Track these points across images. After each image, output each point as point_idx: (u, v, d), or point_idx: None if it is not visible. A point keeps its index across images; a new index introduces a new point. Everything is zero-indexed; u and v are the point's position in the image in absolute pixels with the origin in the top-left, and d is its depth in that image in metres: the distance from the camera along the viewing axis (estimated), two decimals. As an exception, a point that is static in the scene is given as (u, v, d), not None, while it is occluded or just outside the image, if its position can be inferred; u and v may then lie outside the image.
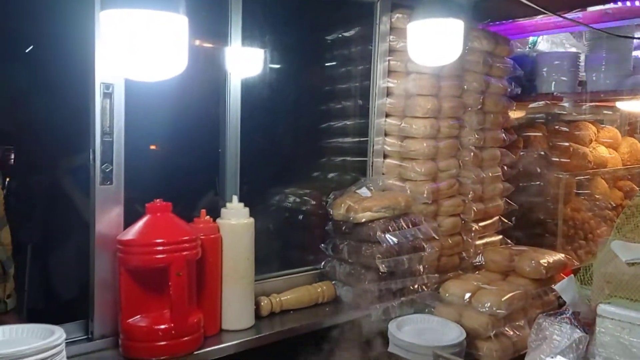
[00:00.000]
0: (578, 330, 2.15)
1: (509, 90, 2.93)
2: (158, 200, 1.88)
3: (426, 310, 2.46)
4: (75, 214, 2.63)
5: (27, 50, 2.21)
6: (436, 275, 2.54)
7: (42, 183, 3.02)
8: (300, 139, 2.87)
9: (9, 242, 2.06)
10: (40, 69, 2.22)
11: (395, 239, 2.35)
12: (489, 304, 2.29)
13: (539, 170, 3.20)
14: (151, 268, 1.80)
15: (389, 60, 2.68)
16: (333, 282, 2.51)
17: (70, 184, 3.04)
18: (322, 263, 2.59)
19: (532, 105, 3.32)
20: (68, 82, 2.06)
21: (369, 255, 2.35)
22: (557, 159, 3.30)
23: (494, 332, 2.27)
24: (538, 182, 3.20)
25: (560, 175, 3.25)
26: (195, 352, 1.88)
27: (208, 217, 2.06)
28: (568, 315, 2.20)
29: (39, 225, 2.84)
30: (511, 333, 2.33)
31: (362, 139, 2.79)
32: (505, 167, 2.96)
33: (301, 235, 2.76)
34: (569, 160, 3.34)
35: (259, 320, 2.20)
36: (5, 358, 1.44)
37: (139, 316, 1.82)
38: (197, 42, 2.36)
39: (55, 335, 1.58)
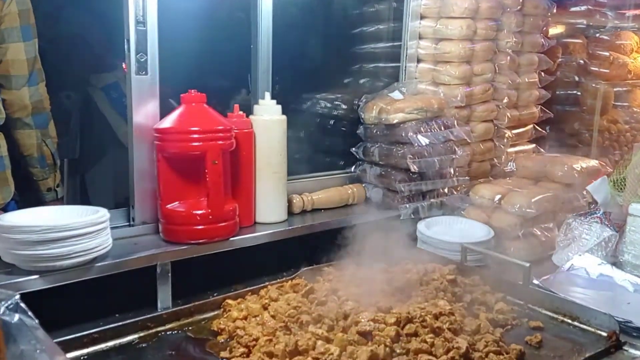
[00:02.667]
0: (608, 229, 2.17)
1: (550, -9, 2.81)
2: (193, 90, 1.90)
3: (455, 212, 2.49)
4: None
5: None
6: (467, 178, 2.55)
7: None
8: (331, 45, 2.83)
9: (55, 134, 2.14)
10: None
11: (427, 140, 2.35)
12: (518, 205, 2.30)
13: (577, 79, 3.11)
14: (188, 155, 1.85)
15: (425, -42, 2.57)
16: (363, 184, 2.54)
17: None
18: (353, 167, 2.61)
19: (573, 9, 3.17)
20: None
21: (400, 156, 2.36)
22: (596, 69, 3.19)
23: (522, 231, 2.29)
24: (575, 91, 3.12)
25: (598, 86, 3.15)
26: (231, 239, 1.95)
27: (241, 112, 2.08)
28: (599, 215, 2.21)
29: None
30: (539, 234, 2.35)
31: (395, 44, 2.73)
32: (542, 74, 2.88)
33: (332, 139, 2.77)
34: (608, 70, 3.23)
35: (291, 216, 2.27)
36: (56, 229, 1.53)
37: (177, 202, 1.88)
38: None
39: (100, 213, 1.66)
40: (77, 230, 1.55)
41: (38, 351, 0.92)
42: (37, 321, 1.02)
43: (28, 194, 2.18)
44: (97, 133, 3.18)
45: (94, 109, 3.16)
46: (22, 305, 1.03)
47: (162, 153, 1.86)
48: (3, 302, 1.01)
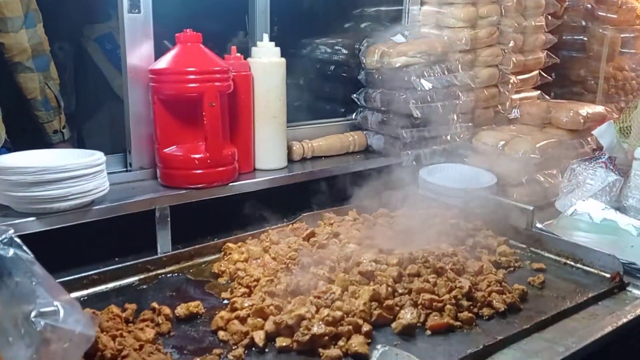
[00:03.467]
0: (613, 174, 2.14)
1: None
2: (188, 30, 1.83)
3: (458, 159, 2.45)
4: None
5: None
6: (470, 124, 2.50)
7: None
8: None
9: (56, 76, 2.10)
10: None
11: (430, 85, 2.29)
12: (522, 151, 2.26)
13: (583, 23, 3.01)
14: (184, 97, 1.79)
15: None
16: (364, 131, 2.49)
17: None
18: (354, 114, 2.56)
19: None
20: None
21: (402, 102, 2.30)
22: (604, 14, 3.09)
23: (525, 178, 2.26)
24: (581, 37, 3.03)
25: (606, 32, 3.06)
26: (230, 184, 1.92)
27: (239, 54, 2.02)
28: (604, 159, 2.18)
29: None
30: (543, 180, 2.32)
31: (398, -15, 2.64)
32: (549, 17, 2.79)
33: (332, 85, 2.71)
34: (615, 15, 3.12)
35: (291, 163, 2.23)
36: (52, 171, 1.49)
37: (174, 147, 1.84)
38: None
39: (96, 155, 1.63)
40: (73, 172, 1.52)
41: (34, 283, 0.90)
42: (32, 255, 1.00)
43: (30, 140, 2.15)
44: (92, 85, 3.11)
45: (88, 61, 3.09)
46: (17, 240, 1.01)
47: (158, 95, 1.80)
48: (-3, 237, 0.98)
